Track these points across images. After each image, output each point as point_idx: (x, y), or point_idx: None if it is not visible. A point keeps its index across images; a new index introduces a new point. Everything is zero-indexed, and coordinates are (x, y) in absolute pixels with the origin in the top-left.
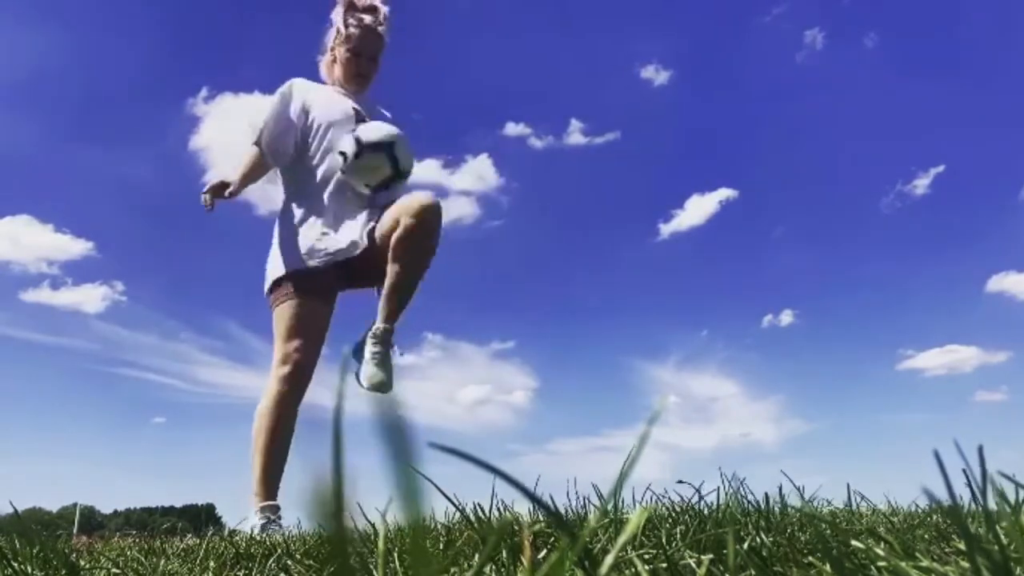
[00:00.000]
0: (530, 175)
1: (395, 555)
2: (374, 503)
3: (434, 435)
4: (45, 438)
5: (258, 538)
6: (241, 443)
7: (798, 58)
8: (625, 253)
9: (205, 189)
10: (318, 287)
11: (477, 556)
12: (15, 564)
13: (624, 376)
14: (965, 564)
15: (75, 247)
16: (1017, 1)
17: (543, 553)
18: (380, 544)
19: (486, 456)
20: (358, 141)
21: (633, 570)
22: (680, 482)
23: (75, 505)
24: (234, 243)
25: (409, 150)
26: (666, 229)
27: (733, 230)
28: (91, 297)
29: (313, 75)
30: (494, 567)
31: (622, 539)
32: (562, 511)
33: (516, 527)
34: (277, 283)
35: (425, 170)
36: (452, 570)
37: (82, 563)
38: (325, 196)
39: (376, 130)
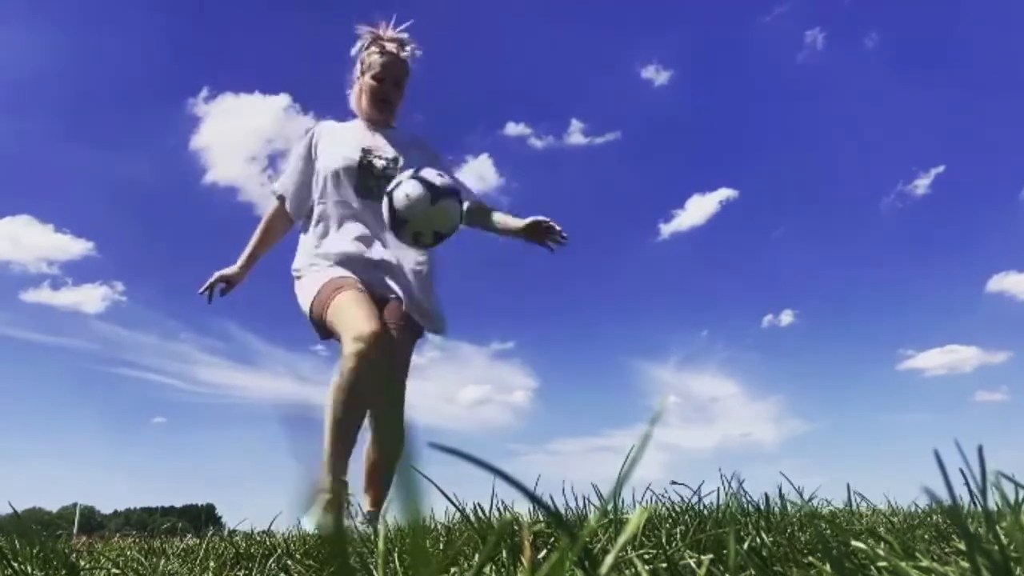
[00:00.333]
0: (530, 175)
1: (395, 555)
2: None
3: (434, 435)
4: (45, 438)
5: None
6: (241, 443)
7: (799, 58)
8: (625, 253)
9: (204, 286)
10: (360, 284)
11: (477, 556)
12: (15, 564)
13: (624, 376)
14: (965, 564)
15: (75, 247)
16: (1017, 2)
17: (543, 553)
18: (380, 544)
19: (486, 456)
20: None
21: (633, 570)
22: (674, 483)
23: (75, 505)
24: (234, 243)
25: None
26: (666, 229)
27: (733, 230)
28: (91, 297)
29: (313, 77)
30: (494, 567)
31: (622, 539)
32: (562, 511)
33: (516, 527)
34: (321, 289)
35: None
36: (452, 570)
37: (82, 563)
38: (336, 231)
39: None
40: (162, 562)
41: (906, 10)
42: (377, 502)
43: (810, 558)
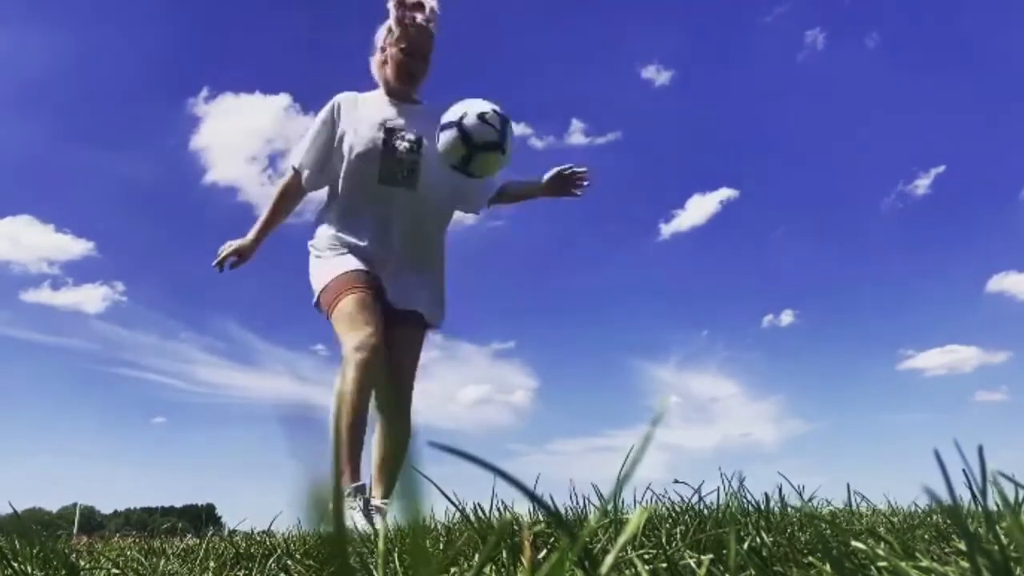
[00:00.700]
0: (531, 175)
1: (395, 555)
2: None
3: (434, 435)
4: (45, 438)
5: (364, 529)
6: (241, 443)
7: (799, 58)
8: (626, 253)
9: (217, 259)
10: (371, 283)
11: (477, 556)
12: (15, 564)
13: (624, 376)
14: (965, 564)
15: (76, 247)
16: (1018, 2)
17: (543, 553)
18: (380, 544)
19: (486, 456)
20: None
21: (633, 570)
22: (676, 481)
23: (75, 505)
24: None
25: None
26: (667, 229)
27: (734, 230)
28: (91, 297)
29: (313, 77)
30: (494, 567)
31: (622, 539)
32: (562, 511)
33: (516, 527)
34: (331, 283)
35: None
36: (452, 570)
37: (82, 563)
38: (356, 216)
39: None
40: (162, 562)
41: (906, 10)
42: (386, 495)
43: (810, 558)
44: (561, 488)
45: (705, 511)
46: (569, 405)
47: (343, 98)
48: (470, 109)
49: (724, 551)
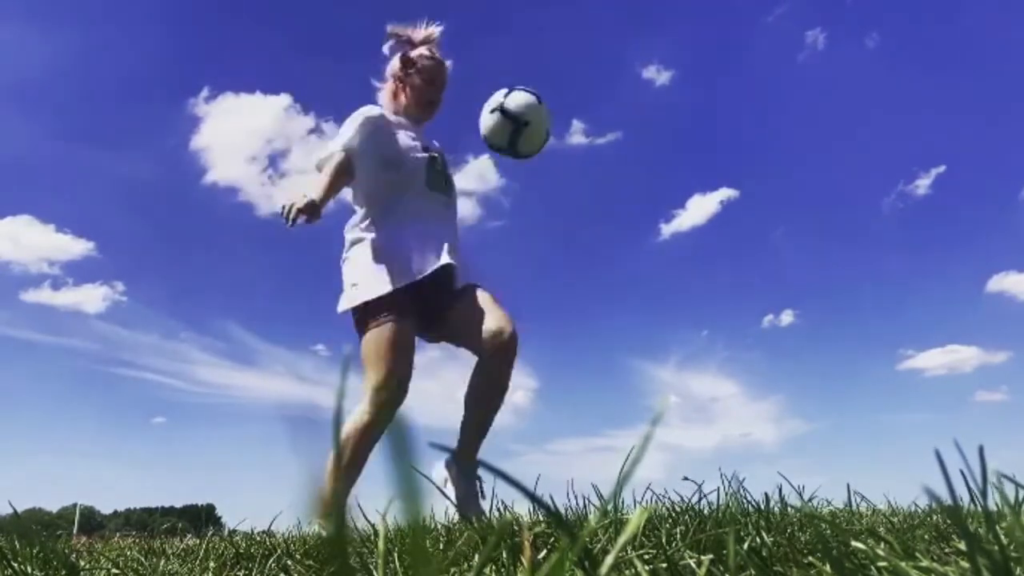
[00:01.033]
0: (531, 175)
1: (395, 555)
2: (374, 503)
3: (434, 435)
4: (45, 438)
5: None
6: (241, 443)
7: (800, 58)
8: (626, 253)
9: (298, 208)
10: (413, 307)
11: (477, 556)
12: (15, 564)
13: (625, 376)
14: (965, 564)
15: (76, 247)
16: (1018, 2)
17: (543, 553)
18: (380, 544)
19: (486, 456)
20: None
21: (633, 570)
22: (685, 479)
23: (75, 505)
24: (234, 243)
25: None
26: (667, 229)
27: (734, 230)
28: (91, 297)
29: (313, 77)
30: (494, 567)
31: (622, 539)
32: (562, 511)
33: (516, 527)
34: (373, 303)
35: None
36: (452, 570)
37: (82, 563)
38: (405, 218)
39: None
40: (162, 562)
41: (907, 10)
42: (473, 453)
43: (810, 558)
44: (561, 488)
45: (705, 511)
46: (569, 405)
47: (382, 109)
48: (509, 96)
49: (724, 551)
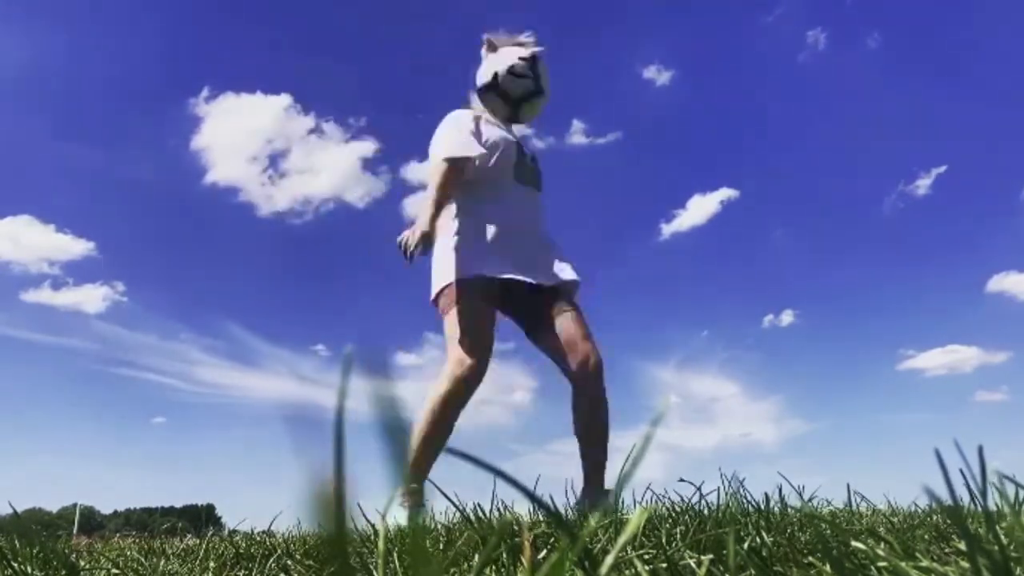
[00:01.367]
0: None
1: (395, 555)
2: (374, 503)
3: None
4: (45, 438)
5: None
6: (241, 443)
7: (800, 58)
8: (626, 253)
9: (412, 241)
10: (496, 295)
11: (477, 556)
12: (15, 564)
13: (624, 376)
14: (965, 564)
15: (76, 247)
16: (1019, 2)
17: (543, 553)
18: (380, 544)
19: (486, 456)
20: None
21: (633, 570)
22: (681, 480)
23: (75, 505)
24: (235, 243)
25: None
26: (668, 229)
27: (734, 230)
28: (92, 297)
29: (313, 77)
30: (494, 567)
31: (622, 539)
32: (562, 511)
33: (516, 527)
34: (459, 283)
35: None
36: (452, 570)
37: (82, 563)
38: (495, 209)
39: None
40: (162, 562)
41: (907, 10)
42: (600, 479)
43: (810, 558)
44: (561, 488)
45: (705, 511)
46: (569, 405)
47: (476, 112)
48: (500, 67)
49: (724, 551)
